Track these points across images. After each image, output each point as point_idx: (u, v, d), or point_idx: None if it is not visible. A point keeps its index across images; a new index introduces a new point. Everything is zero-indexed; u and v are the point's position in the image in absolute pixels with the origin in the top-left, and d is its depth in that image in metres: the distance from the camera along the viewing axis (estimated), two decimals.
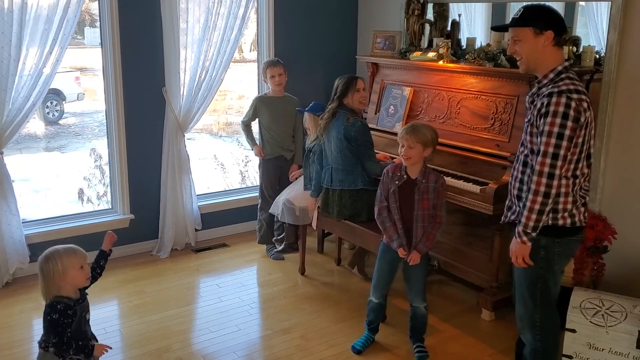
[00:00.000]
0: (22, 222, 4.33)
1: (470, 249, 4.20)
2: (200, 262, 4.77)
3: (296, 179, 4.65)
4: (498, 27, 2.95)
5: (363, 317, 3.79)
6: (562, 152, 2.51)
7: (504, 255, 3.83)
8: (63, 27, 4.08)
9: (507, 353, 3.39)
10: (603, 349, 3.12)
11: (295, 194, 4.41)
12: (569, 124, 2.49)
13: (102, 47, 4.54)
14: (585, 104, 2.54)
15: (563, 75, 2.60)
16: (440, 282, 4.42)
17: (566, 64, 2.65)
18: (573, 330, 3.19)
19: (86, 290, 2.63)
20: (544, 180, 2.53)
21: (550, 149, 2.51)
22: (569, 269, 3.61)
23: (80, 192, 5.45)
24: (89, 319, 2.63)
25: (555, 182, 2.53)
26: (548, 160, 2.52)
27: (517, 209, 2.77)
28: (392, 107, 4.58)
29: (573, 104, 2.49)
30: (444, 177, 3.87)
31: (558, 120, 2.49)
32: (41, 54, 4.06)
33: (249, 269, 4.68)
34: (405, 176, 3.34)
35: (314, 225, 4.36)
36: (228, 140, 8.21)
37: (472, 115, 4.07)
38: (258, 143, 4.82)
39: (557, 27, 2.61)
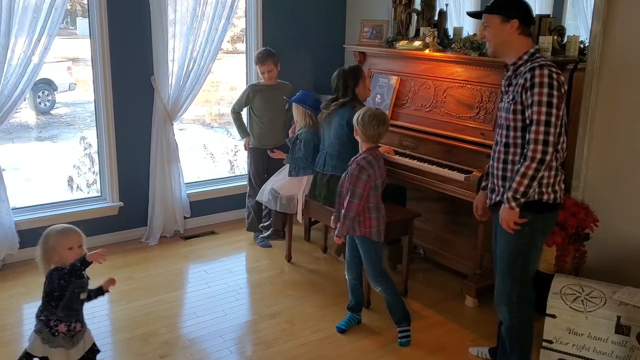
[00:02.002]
0: (12, 209, 4.35)
1: (455, 237, 4.26)
2: (189, 249, 4.81)
3: (276, 157, 4.66)
4: (472, 13, 3.09)
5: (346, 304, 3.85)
6: (553, 119, 2.61)
7: (487, 242, 3.89)
8: (52, 15, 4.09)
9: (489, 338, 3.44)
10: (582, 334, 3.19)
11: (281, 183, 4.44)
12: (555, 92, 2.61)
13: (90, 37, 4.55)
14: (562, 77, 2.68)
15: (537, 55, 2.76)
16: (426, 269, 4.48)
17: (537, 46, 2.79)
18: (553, 316, 3.25)
19: (85, 274, 2.70)
20: (539, 147, 2.62)
21: (543, 117, 2.61)
22: (551, 256, 3.68)
23: (70, 180, 5.46)
24: (83, 300, 2.72)
25: (550, 149, 2.63)
26: (542, 128, 2.61)
27: (501, 189, 2.84)
28: (379, 96, 4.61)
29: (555, 76, 2.64)
30: (430, 166, 3.97)
31: (545, 90, 2.61)
32: (30, 42, 4.07)
33: (236, 256, 4.73)
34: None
35: (299, 217, 4.40)
36: (219, 130, 8.22)
37: (458, 104, 4.11)
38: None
39: (523, 16, 2.76)
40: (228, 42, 7.06)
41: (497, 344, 3.28)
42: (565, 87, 2.71)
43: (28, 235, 4.44)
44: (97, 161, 4.92)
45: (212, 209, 5.32)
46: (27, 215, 4.51)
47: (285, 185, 4.38)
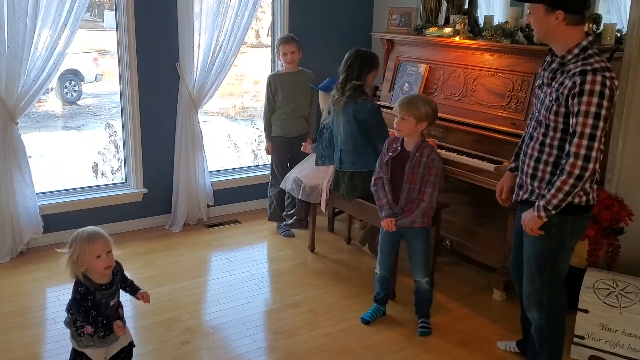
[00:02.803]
0: (37, 194, 4.36)
1: (483, 229, 4.16)
2: (212, 237, 4.78)
3: (308, 152, 4.60)
4: None
5: (371, 296, 3.78)
6: (598, 132, 2.43)
7: None
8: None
9: (517, 332, 3.33)
10: (616, 330, 3.09)
11: (305, 172, 4.37)
12: (605, 103, 2.41)
13: (116, 21, 4.53)
14: (616, 82, 2.47)
15: (590, 52, 2.51)
16: (452, 262, 4.38)
17: (590, 38, 2.55)
18: (585, 311, 3.16)
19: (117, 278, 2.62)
20: (579, 162, 2.45)
21: (587, 130, 2.42)
22: (583, 250, 3.56)
23: (95, 167, 5.47)
24: (113, 305, 2.60)
25: (591, 166, 2.46)
26: (585, 142, 2.44)
27: (530, 187, 2.73)
28: (406, 84, 4.52)
29: (608, 83, 2.41)
30: (459, 156, 3.88)
31: (595, 100, 2.40)
32: (56, 26, 4.06)
33: (259, 245, 4.68)
34: (399, 148, 3.35)
35: (322, 207, 4.33)
36: (243, 123, 8.20)
37: (488, 92, 4.01)
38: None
39: (570, 5, 2.48)
40: (252, 32, 6.99)
41: (523, 337, 3.20)
42: (617, 92, 2.48)
43: (52, 220, 4.46)
44: (122, 148, 4.91)
45: (235, 198, 5.29)
46: (52, 200, 4.52)
47: (310, 175, 4.31)
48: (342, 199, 4.10)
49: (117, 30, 4.55)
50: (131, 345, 2.74)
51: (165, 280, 3.99)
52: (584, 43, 2.52)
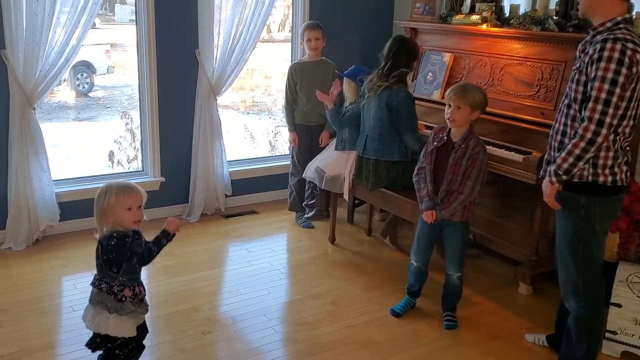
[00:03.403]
0: (53, 181, 4.29)
1: (508, 222, 4.06)
2: (230, 227, 4.71)
3: (326, 145, 4.51)
4: None
5: (396, 287, 3.71)
6: (614, 99, 2.41)
7: (544, 228, 3.70)
8: None
9: (546, 327, 3.25)
10: None
11: (327, 162, 4.28)
12: (623, 70, 2.39)
13: (136, 5, 4.46)
14: (639, 56, 2.42)
15: (621, 26, 2.50)
16: (475, 255, 4.28)
17: (627, 16, 2.54)
18: (618, 305, 3.06)
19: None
20: (592, 126, 2.44)
21: (603, 95, 2.41)
22: (614, 244, 3.47)
23: (111, 155, 5.41)
24: None
25: (604, 131, 2.44)
26: (599, 107, 2.42)
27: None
28: (430, 73, 4.43)
29: (628, 52, 2.40)
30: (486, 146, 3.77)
31: (612, 66, 2.39)
32: (75, 9, 3.99)
33: (278, 236, 4.60)
34: (445, 138, 3.24)
35: (345, 196, 4.24)
36: (256, 117, 8.14)
37: (516, 82, 3.90)
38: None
39: None
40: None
41: (555, 331, 3.10)
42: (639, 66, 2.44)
43: (68, 208, 4.40)
44: (138, 136, 4.84)
45: (253, 189, 5.21)
46: (68, 187, 4.45)
47: (332, 164, 4.22)
48: (364, 188, 4.00)
49: (136, 14, 4.48)
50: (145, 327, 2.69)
51: (183, 270, 3.91)
52: (618, 18, 2.52)
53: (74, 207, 4.43)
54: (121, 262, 2.43)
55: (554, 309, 3.23)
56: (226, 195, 4.99)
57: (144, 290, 2.58)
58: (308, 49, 4.56)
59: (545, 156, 2.81)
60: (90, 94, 8.72)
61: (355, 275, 3.96)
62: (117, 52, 9.13)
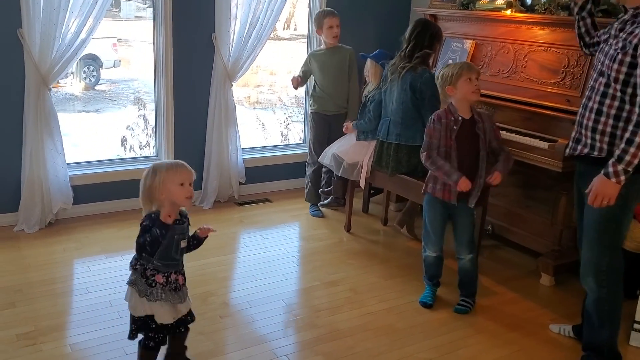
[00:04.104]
0: (67, 164, 4.24)
1: (528, 213, 3.98)
2: (244, 214, 4.64)
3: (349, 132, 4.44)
4: None
5: (413, 276, 3.64)
6: None
7: (568, 218, 3.63)
8: None
9: (571, 318, 3.17)
10: None
11: (345, 148, 4.20)
12: None
13: None
14: None
15: None
16: (493, 247, 4.21)
17: None
18: None
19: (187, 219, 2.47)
20: None
21: None
22: (638, 233, 3.39)
23: (124, 140, 5.35)
24: (183, 248, 2.46)
25: None
26: None
27: (590, 141, 2.61)
28: (450, 61, 4.34)
29: None
30: (509, 133, 3.72)
31: None
32: None
33: (293, 224, 4.54)
34: (460, 118, 3.13)
35: (361, 183, 4.16)
36: (262, 111, 8.07)
37: (541, 69, 3.83)
38: (310, 98, 4.68)
39: None
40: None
41: (582, 322, 3.02)
42: None
43: (82, 192, 4.35)
44: (151, 122, 4.77)
45: (267, 177, 5.15)
46: (82, 171, 4.40)
47: (350, 151, 4.14)
48: (384, 174, 3.93)
49: None
50: (192, 315, 2.59)
51: (197, 255, 3.71)
52: None
53: (87, 190, 4.38)
54: (156, 242, 2.34)
55: (578, 301, 3.15)
56: (240, 183, 4.93)
57: (183, 280, 2.48)
58: (329, 36, 4.46)
59: (574, 134, 2.74)
60: (96, 87, 8.68)
61: (372, 263, 3.89)
62: (123, 47, 9.08)
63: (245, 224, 4.45)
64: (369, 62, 4.16)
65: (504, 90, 3.96)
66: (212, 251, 3.90)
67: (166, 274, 2.40)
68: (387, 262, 3.93)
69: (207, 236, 2.59)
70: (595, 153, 2.59)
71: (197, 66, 4.58)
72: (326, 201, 4.74)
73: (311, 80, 4.68)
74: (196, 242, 2.57)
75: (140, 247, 2.36)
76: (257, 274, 3.63)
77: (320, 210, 4.70)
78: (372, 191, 4.82)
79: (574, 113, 3.48)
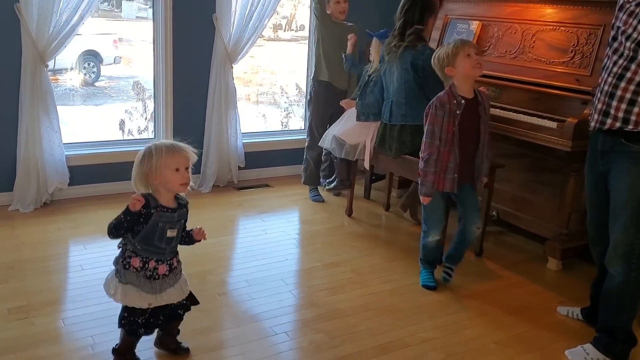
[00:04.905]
0: (64, 144, 4.14)
1: (535, 197, 3.89)
2: (243, 198, 4.56)
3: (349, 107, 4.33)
4: None
5: (415, 259, 3.53)
6: None
7: (576, 201, 3.54)
8: None
9: (580, 302, 3.07)
10: None
11: (346, 130, 4.09)
12: None
13: None
14: None
15: None
16: (498, 233, 4.12)
17: None
18: None
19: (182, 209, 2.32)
20: None
21: None
22: None
23: (122, 124, 5.26)
24: (171, 238, 2.29)
25: None
26: None
27: (622, 115, 2.45)
28: None
29: None
30: (516, 114, 3.65)
31: None
32: None
33: (292, 208, 4.45)
34: (463, 101, 2.99)
35: (366, 164, 4.07)
36: (263, 106, 7.99)
37: (549, 48, 3.74)
38: (314, 67, 4.57)
39: None
40: (270, 28, 6.76)
41: (591, 304, 2.94)
42: None
43: (78, 172, 4.26)
44: (150, 106, 4.68)
45: (266, 162, 5.06)
46: (79, 151, 4.31)
47: (351, 132, 4.04)
48: (387, 156, 3.83)
49: None
50: (185, 306, 2.47)
51: None
52: None
53: (84, 171, 4.29)
54: (141, 223, 2.23)
55: (586, 285, 3.08)
56: (239, 168, 4.84)
57: (164, 270, 2.30)
58: (336, 11, 4.34)
59: (598, 105, 2.58)
60: (96, 84, 8.61)
61: (375, 246, 3.80)
62: (123, 46, 9.02)
63: (244, 208, 4.36)
64: (374, 40, 4.07)
65: (511, 71, 3.88)
66: (210, 233, 3.67)
67: (144, 259, 2.26)
68: (390, 245, 3.84)
69: (199, 240, 2.46)
70: (630, 127, 2.44)
71: (197, 47, 4.50)
72: (332, 185, 4.63)
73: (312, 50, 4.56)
74: (188, 239, 2.44)
75: (109, 227, 2.22)
76: (256, 254, 3.54)
77: (320, 194, 4.61)
78: (373, 177, 4.73)
79: (584, 92, 3.44)
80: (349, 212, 4.29)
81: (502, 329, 2.88)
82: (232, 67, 4.59)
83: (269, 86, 7.39)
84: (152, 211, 2.21)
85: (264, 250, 3.61)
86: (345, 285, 3.22)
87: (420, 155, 3.09)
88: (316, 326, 2.79)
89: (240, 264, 3.44)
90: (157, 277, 2.30)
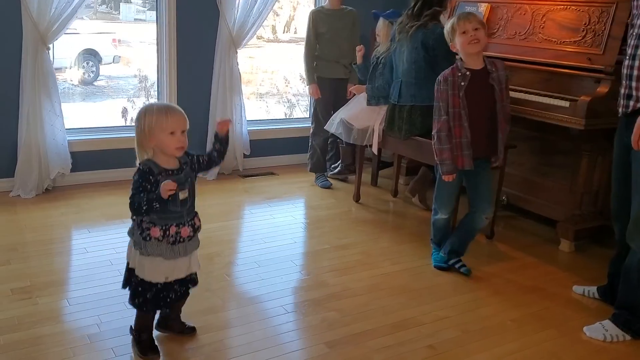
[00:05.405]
0: (66, 130, 4.07)
1: (545, 180, 3.83)
2: (249, 185, 4.49)
3: (354, 95, 4.27)
4: None
5: (425, 242, 3.48)
6: None
7: (589, 182, 3.49)
8: None
9: (595, 282, 3.00)
10: None
11: (353, 113, 4.03)
12: None
13: None
14: None
15: None
16: (508, 217, 4.05)
17: None
18: None
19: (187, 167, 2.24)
20: None
21: None
22: None
23: (124, 111, 5.19)
24: (184, 199, 2.18)
25: None
26: None
27: (636, 92, 2.41)
28: None
29: None
30: (527, 95, 3.58)
31: None
32: None
33: (299, 194, 4.39)
34: (468, 73, 2.91)
35: (374, 149, 3.99)
36: (262, 102, 7.94)
37: (560, 28, 3.68)
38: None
39: None
40: (269, 27, 6.73)
41: (608, 282, 2.87)
42: None
43: (80, 158, 4.19)
44: (152, 95, 4.61)
45: (271, 151, 4.99)
46: (81, 136, 4.24)
47: (359, 116, 3.97)
48: (396, 138, 3.76)
49: None
50: (194, 280, 2.40)
51: (202, 219, 3.63)
52: None
53: (86, 157, 4.22)
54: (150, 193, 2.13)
55: (601, 266, 3.03)
56: (244, 155, 4.77)
57: (189, 231, 2.23)
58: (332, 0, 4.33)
59: (623, 90, 2.53)
60: (95, 83, 8.55)
61: (383, 230, 3.74)
62: (122, 47, 8.97)
63: (250, 194, 4.29)
64: (381, 21, 4.01)
65: (521, 52, 3.81)
66: (216, 217, 3.75)
67: (164, 227, 2.18)
68: (399, 229, 3.78)
69: (227, 131, 2.34)
70: None
71: (201, 32, 4.43)
72: (336, 170, 4.57)
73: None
74: (222, 146, 2.33)
75: (136, 211, 2.13)
76: (264, 237, 3.48)
77: (328, 180, 4.54)
78: (380, 164, 4.66)
79: (596, 71, 3.38)
80: (357, 198, 4.22)
81: (518, 308, 2.81)
82: (236, 52, 4.52)
83: (270, 86, 7.38)
84: (158, 178, 2.13)
85: (272, 233, 3.55)
86: (355, 266, 3.16)
87: (432, 134, 3.02)
88: (327, 305, 2.72)
89: (248, 247, 3.37)
90: (181, 240, 2.22)
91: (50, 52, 3.90)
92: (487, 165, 3.07)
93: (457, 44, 2.94)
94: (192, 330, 2.45)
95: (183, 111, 2.19)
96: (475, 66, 2.95)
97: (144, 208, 2.10)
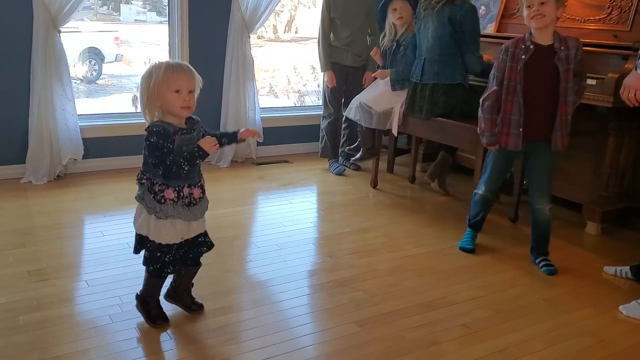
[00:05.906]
0: (78, 116, 3.99)
1: (568, 163, 3.73)
2: (263, 172, 4.41)
3: (359, 78, 4.16)
4: None
5: (451, 224, 3.43)
6: None
7: (615, 162, 3.40)
8: None
9: (626, 263, 2.91)
10: None
11: (374, 96, 3.90)
12: None
13: None
14: None
15: None
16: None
17: None
18: None
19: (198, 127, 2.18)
20: None
21: None
22: None
23: (135, 99, 5.12)
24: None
25: None
26: None
27: None
28: (483, 7, 4.12)
29: None
30: None
31: None
32: None
33: (314, 181, 4.30)
34: (532, 47, 2.76)
35: (394, 131, 3.88)
36: (267, 97, 7.87)
37: (583, 6, 3.60)
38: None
39: None
40: (270, 27, 6.65)
41: None
42: None
43: (92, 145, 4.11)
44: None
45: (284, 139, 4.91)
46: (93, 122, 4.16)
47: (379, 99, 3.85)
48: (417, 119, 3.66)
49: None
50: (208, 244, 2.33)
51: (218, 205, 3.55)
52: None
53: (98, 144, 4.14)
54: (162, 155, 2.05)
55: (630, 248, 2.96)
56: (257, 143, 4.69)
57: (200, 193, 2.19)
58: None
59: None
60: (97, 82, 8.49)
61: (404, 214, 3.65)
62: (123, 48, 8.92)
63: (265, 181, 4.21)
64: (401, 3, 3.91)
65: None
66: (232, 202, 3.68)
67: (177, 188, 2.12)
68: (420, 213, 3.70)
69: (244, 140, 2.33)
70: None
71: (213, 16, 4.35)
72: (358, 155, 4.45)
73: None
74: (229, 139, 2.30)
75: (175, 173, 2.07)
76: (283, 221, 3.40)
77: (341, 166, 4.46)
78: (396, 151, 4.58)
79: (623, 48, 3.29)
80: (374, 184, 4.14)
81: (550, 288, 2.73)
82: (249, 37, 4.44)
83: (270, 84, 7.33)
84: (174, 138, 2.06)
85: (290, 217, 3.47)
86: (379, 248, 3.08)
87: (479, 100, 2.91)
88: (354, 285, 2.64)
89: (267, 230, 3.28)
90: (195, 202, 2.18)
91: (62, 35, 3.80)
92: (546, 149, 2.88)
93: (524, 17, 2.79)
94: (199, 307, 2.37)
95: (195, 71, 2.12)
96: (542, 41, 2.77)
97: (185, 168, 2.06)
